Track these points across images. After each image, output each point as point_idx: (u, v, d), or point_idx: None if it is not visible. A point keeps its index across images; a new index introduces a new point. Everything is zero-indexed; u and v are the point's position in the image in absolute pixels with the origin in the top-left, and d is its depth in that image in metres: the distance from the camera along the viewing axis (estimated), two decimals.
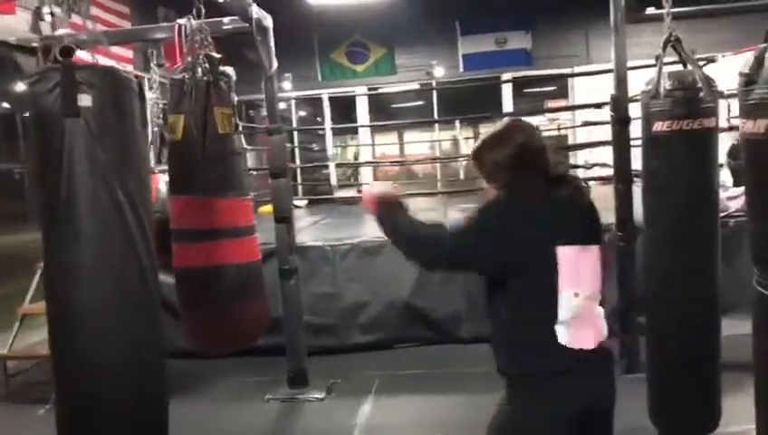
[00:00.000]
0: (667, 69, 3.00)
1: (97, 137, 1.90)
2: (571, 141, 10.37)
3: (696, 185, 2.89)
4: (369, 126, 11.27)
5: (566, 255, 1.71)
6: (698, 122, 2.83)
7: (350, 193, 10.45)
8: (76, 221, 1.93)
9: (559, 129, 11.33)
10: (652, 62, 3.10)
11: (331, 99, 10.87)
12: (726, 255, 4.11)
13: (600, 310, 1.80)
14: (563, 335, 1.71)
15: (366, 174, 11.36)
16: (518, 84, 11.26)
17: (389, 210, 1.85)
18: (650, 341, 3.23)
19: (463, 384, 3.93)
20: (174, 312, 3.78)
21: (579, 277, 1.74)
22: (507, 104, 11.16)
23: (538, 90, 12.37)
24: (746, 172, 2.00)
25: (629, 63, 4.02)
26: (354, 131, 12.20)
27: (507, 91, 11.19)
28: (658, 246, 3.08)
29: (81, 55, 2.15)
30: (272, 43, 3.93)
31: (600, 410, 1.80)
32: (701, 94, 2.84)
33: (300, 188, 9.74)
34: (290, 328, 4.07)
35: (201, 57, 2.92)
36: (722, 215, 4.35)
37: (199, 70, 2.91)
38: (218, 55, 2.99)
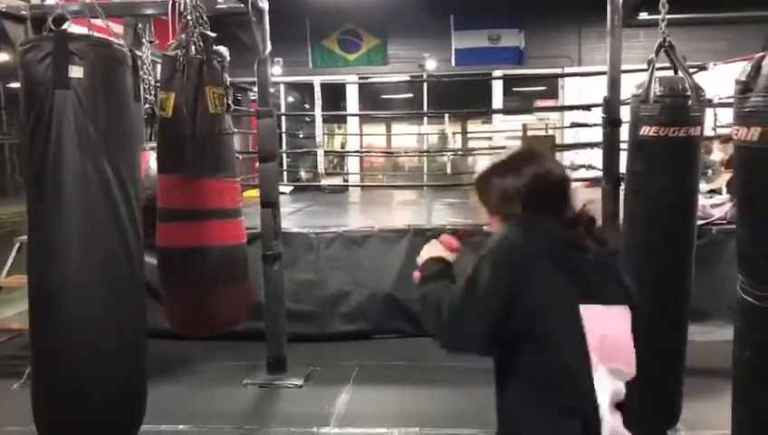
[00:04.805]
0: (658, 74, 3.03)
1: (87, 110, 1.86)
2: (558, 142, 10.45)
3: (676, 191, 2.94)
4: (359, 115, 11.23)
5: (591, 316, 1.37)
6: (684, 130, 2.87)
7: (335, 181, 10.46)
8: (61, 196, 1.90)
9: (547, 128, 11.39)
10: (644, 66, 3.13)
11: (321, 86, 10.81)
12: (706, 262, 4.20)
13: (622, 392, 1.43)
14: (602, 413, 1.37)
15: (353, 163, 11.34)
16: (509, 82, 11.29)
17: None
18: None
19: (441, 377, 3.94)
20: (154, 292, 3.74)
21: (606, 346, 1.38)
22: (497, 101, 11.19)
23: (528, 89, 12.42)
24: (737, 179, 2.02)
25: (621, 67, 4.04)
26: (342, 120, 12.16)
27: (498, 87, 11.22)
28: (634, 246, 3.13)
29: (74, 27, 2.11)
30: (267, 26, 3.89)
31: None
32: (689, 103, 2.87)
33: (285, 174, 9.70)
34: (271, 314, 4.05)
35: (195, 35, 2.87)
36: (705, 222, 4.44)
37: (193, 48, 2.87)
38: (213, 34, 2.95)
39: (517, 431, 1.43)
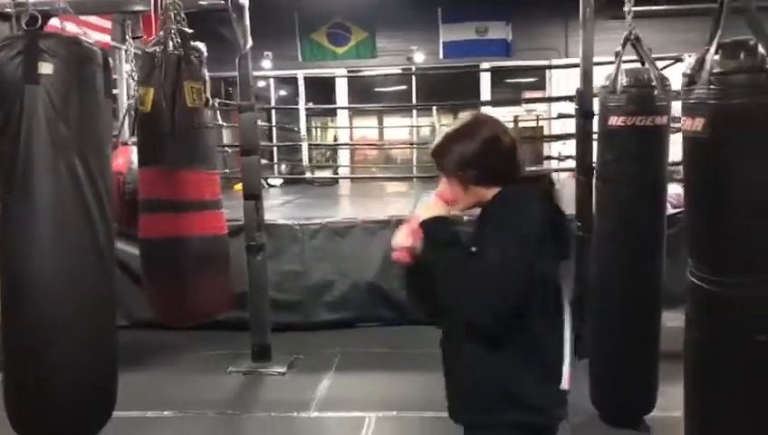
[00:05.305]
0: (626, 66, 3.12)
1: (57, 106, 1.91)
2: (546, 133, 10.55)
3: (645, 179, 3.02)
4: (344, 108, 11.29)
5: (564, 272, 1.56)
6: (651, 119, 2.96)
7: (325, 174, 10.55)
8: (32, 191, 1.93)
9: (538, 119, 11.49)
10: (625, 58, 3.22)
11: (312, 80, 10.84)
12: (679, 249, 4.27)
13: None
14: (564, 374, 1.55)
15: (343, 156, 11.42)
16: (497, 74, 11.35)
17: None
18: (593, 327, 3.39)
19: (421, 364, 4.00)
20: (140, 282, 3.83)
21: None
22: (485, 93, 11.26)
23: (516, 80, 12.48)
24: (685, 168, 2.12)
25: (606, 58, 4.12)
26: (334, 113, 12.23)
27: (486, 80, 11.28)
28: (605, 235, 3.22)
29: (57, 24, 2.18)
30: (247, 22, 3.96)
31: None
32: (655, 93, 2.96)
33: (276, 167, 9.79)
34: (255, 303, 4.15)
35: (173, 31, 2.95)
36: (678, 211, 4.51)
37: (171, 44, 2.94)
38: (190, 30, 3.03)
39: (514, 394, 1.52)
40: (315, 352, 4.35)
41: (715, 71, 1.94)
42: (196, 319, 3.35)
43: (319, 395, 3.69)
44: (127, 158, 3.68)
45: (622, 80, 3.06)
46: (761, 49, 1.89)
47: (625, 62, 3.30)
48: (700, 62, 2.00)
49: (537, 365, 1.52)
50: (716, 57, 1.95)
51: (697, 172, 2.06)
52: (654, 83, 3.01)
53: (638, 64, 3.22)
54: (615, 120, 3.09)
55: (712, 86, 1.94)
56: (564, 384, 1.54)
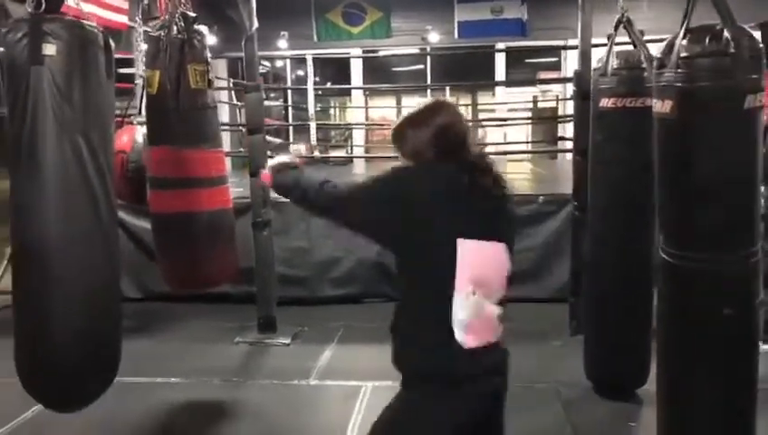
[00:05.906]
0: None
1: (60, 87, 2.04)
2: (561, 113, 10.53)
3: (635, 159, 3.09)
4: (355, 88, 11.34)
5: (469, 249, 1.61)
6: (641, 101, 3.02)
7: (341, 153, 10.67)
8: (38, 167, 2.06)
9: (558, 100, 11.46)
10: (627, 39, 3.27)
11: (328, 60, 10.91)
12: None
13: (497, 311, 1.68)
14: (458, 334, 1.61)
15: (358, 136, 11.52)
16: (513, 54, 11.30)
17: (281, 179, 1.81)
18: (587, 303, 3.49)
19: None
20: (154, 255, 4.00)
21: (480, 274, 1.63)
22: (500, 73, 11.23)
23: (532, 60, 12.41)
24: (656, 148, 2.20)
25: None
26: (349, 93, 12.30)
27: (501, 60, 11.25)
28: (596, 215, 3.31)
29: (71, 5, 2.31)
30: (253, 4, 4.08)
31: (489, 415, 1.74)
32: (645, 74, 3.02)
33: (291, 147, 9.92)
34: (261, 278, 4.32)
35: (177, 16, 3.08)
36: None
37: (175, 28, 3.07)
38: (193, 14, 3.15)
39: (407, 340, 1.71)
40: (319, 325, 4.51)
41: (682, 54, 2.01)
42: (205, 286, 3.53)
43: (320, 365, 3.85)
44: (131, 137, 3.83)
45: (613, 62, 3.14)
46: (726, 34, 1.96)
47: (622, 43, 3.36)
48: (670, 46, 2.07)
49: (424, 324, 1.66)
50: (684, 41, 2.02)
51: (666, 152, 2.14)
52: (644, 65, 3.08)
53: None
54: (606, 102, 3.17)
55: (679, 69, 2.01)
56: (463, 341, 1.61)
